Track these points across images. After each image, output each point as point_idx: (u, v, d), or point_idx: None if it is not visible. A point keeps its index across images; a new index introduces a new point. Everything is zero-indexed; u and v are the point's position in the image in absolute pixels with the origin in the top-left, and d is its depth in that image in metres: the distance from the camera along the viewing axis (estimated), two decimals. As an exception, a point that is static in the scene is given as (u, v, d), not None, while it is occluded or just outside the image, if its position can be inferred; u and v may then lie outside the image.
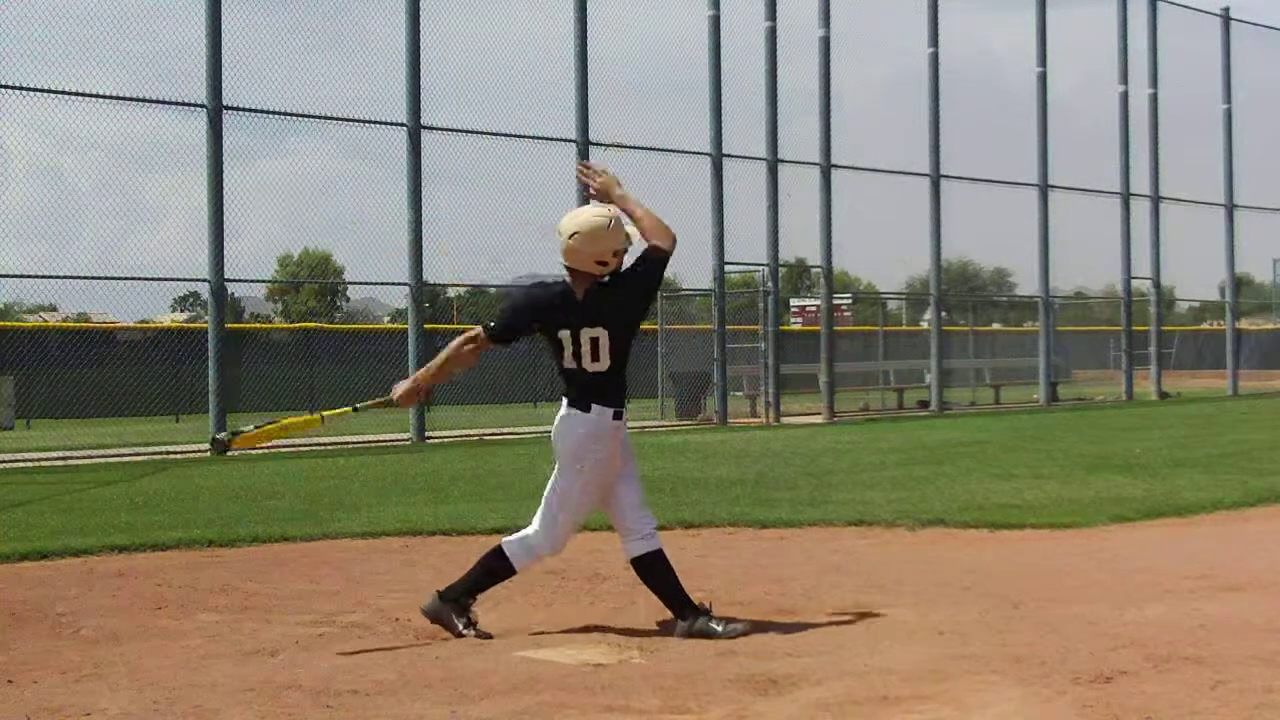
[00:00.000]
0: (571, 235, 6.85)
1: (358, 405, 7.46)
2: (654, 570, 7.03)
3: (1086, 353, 42.78)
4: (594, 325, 6.90)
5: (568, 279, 6.99)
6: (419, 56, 22.66)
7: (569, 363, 6.97)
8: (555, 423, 7.03)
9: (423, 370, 7.29)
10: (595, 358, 6.92)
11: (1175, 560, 9.17)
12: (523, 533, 7.10)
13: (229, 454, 7.86)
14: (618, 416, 6.95)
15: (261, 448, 11.50)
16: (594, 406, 6.90)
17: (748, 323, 29.10)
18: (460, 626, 6.97)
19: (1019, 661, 6.06)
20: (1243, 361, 39.97)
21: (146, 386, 31.80)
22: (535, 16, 25.52)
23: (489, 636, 6.92)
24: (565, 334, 6.93)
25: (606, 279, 6.96)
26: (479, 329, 7.10)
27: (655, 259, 7.06)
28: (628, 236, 7.03)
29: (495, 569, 7.10)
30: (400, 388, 7.18)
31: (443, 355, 7.13)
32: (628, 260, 7.06)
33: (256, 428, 7.28)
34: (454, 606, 7.02)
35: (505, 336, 7.11)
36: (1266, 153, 38.77)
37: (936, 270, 31.56)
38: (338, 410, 7.51)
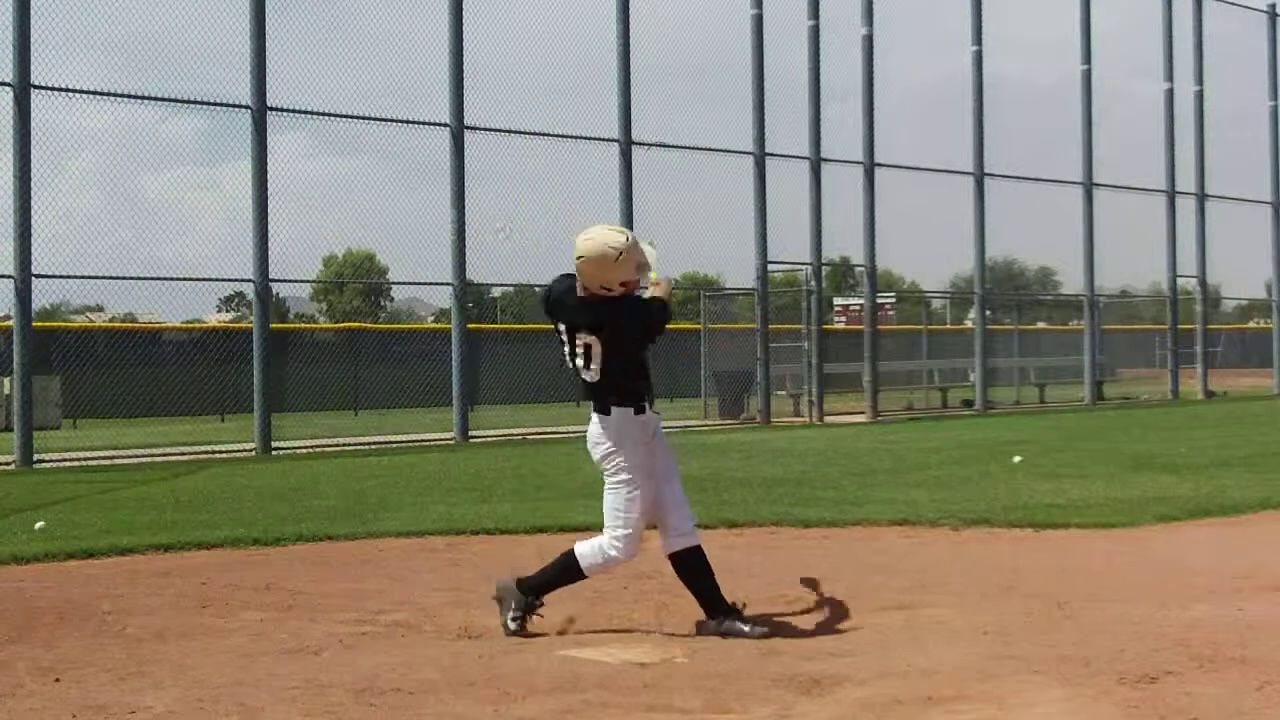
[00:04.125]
0: (579, 258, 6.67)
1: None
2: (691, 566, 6.95)
3: (1132, 351, 42.47)
4: (589, 331, 6.75)
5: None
6: (461, 57, 22.71)
7: (568, 362, 6.88)
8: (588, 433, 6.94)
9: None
10: (587, 365, 6.79)
11: (1221, 560, 9.10)
12: (596, 540, 6.96)
13: None
14: (640, 411, 6.80)
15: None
16: (613, 409, 6.78)
17: (791, 321, 29.01)
18: (508, 618, 6.91)
19: (1063, 661, 6.03)
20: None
21: (192, 386, 32.01)
22: (577, 17, 25.57)
23: (526, 635, 6.89)
24: (564, 329, 6.86)
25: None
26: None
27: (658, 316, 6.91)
28: (642, 267, 6.76)
29: (569, 567, 6.99)
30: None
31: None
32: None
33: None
34: (519, 599, 6.93)
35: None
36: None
37: (981, 269, 31.43)
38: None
